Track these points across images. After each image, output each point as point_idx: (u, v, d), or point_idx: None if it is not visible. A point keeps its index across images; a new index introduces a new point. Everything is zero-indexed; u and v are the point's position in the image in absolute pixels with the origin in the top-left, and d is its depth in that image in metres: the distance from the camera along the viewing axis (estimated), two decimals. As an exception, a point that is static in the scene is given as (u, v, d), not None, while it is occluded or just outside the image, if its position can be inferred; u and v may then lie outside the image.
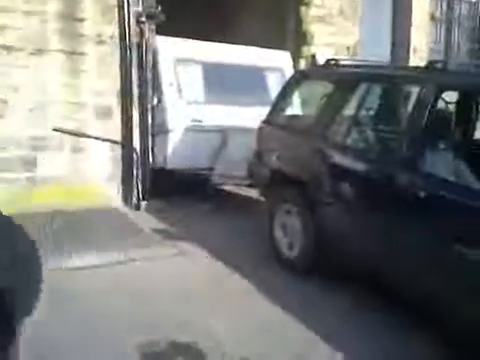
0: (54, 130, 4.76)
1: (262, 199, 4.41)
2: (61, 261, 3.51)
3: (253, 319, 2.92)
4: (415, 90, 3.57)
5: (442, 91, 3.20)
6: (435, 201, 2.76)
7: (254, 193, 4.77)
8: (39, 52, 4.66)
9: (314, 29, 6.53)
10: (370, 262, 3.13)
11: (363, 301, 3.11)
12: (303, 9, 6.59)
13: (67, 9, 4.74)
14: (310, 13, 6.55)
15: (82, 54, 4.85)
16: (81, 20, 4.82)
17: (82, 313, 2.85)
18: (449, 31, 8.17)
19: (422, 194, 2.77)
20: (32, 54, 4.62)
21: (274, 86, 5.35)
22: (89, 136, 4.93)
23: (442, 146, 3.34)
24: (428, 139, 3.38)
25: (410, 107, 3.85)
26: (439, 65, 3.31)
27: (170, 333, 2.71)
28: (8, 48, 4.50)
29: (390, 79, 3.74)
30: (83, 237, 3.96)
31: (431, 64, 3.49)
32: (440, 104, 3.63)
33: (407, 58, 7.36)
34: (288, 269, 3.58)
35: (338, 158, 3.42)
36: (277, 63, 5.82)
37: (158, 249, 3.92)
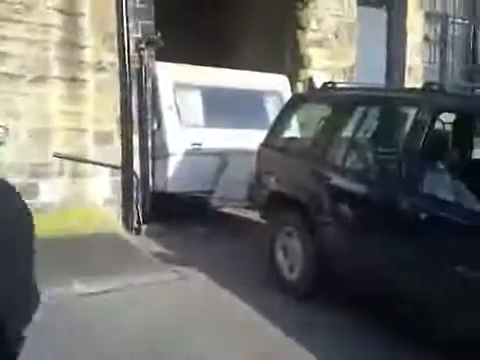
0: (54, 156, 4.79)
1: (262, 221, 4.41)
2: (61, 288, 3.48)
3: (252, 344, 2.88)
4: (412, 112, 3.62)
5: (439, 113, 3.23)
6: (435, 222, 2.76)
7: (254, 215, 4.77)
8: (40, 79, 4.72)
9: (311, 53, 6.64)
10: (370, 283, 3.11)
11: (362, 322, 3.07)
12: (300, 33, 6.71)
13: (68, 37, 4.83)
14: (307, 37, 6.67)
15: (83, 81, 4.92)
16: (82, 47, 4.91)
17: (79, 342, 2.82)
18: (443, 52, 8.31)
19: (422, 215, 2.78)
20: (33, 81, 4.69)
21: (272, 109, 5.41)
22: (89, 161, 4.96)
23: (440, 167, 3.36)
24: (426, 160, 3.41)
25: (407, 129, 3.90)
26: (435, 87, 3.37)
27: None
28: (10, 75, 4.57)
29: (387, 101, 3.79)
30: (83, 263, 3.93)
31: (427, 86, 3.55)
32: (437, 125, 3.67)
33: (402, 79, 7.46)
34: (288, 292, 3.56)
35: (337, 180, 3.43)
36: (275, 87, 5.89)
37: (158, 274, 3.89)
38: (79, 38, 4.88)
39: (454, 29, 8.37)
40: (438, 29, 8.25)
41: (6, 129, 4.50)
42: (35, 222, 4.57)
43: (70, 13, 4.82)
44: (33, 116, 4.69)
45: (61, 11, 4.78)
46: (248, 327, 3.10)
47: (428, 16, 7.99)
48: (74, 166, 4.90)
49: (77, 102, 4.91)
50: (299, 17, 6.68)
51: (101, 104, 4.99)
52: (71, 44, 4.85)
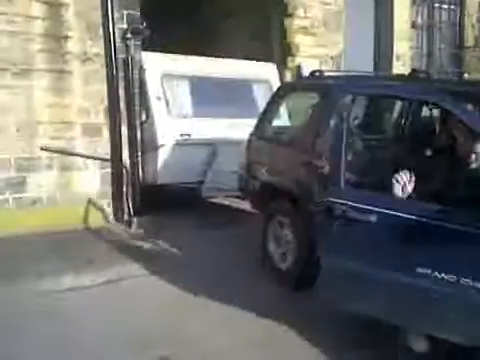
0: (42, 149, 4.74)
1: (253, 211, 4.42)
2: (50, 282, 3.49)
3: (241, 333, 2.91)
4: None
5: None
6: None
7: (245, 205, 4.78)
8: (25, 72, 4.65)
9: (298, 40, 6.61)
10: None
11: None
12: (287, 21, 6.67)
13: (52, 28, 4.75)
14: (294, 24, 6.63)
15: (68, 72, 4.85)
16: (66, 38, 4.84)
17: (68, 334, 2.83)
18: (430, 38, 8.32)
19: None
20: (17, 74, 4.61)
21: (261, 98, 5.39)
22: (78, 154, 4.92)
23: (428, 153, 3.39)
24: (415, 146, 3.44)
25: (396, 116, 3.93)
26: (422, 74, 3.38)
27: (158, 348, 2.71)
28: (-6, 68, 4.49)
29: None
30: (72, 258, 3.95)
31: (414, 73, 3.56)
32: (425, 112, 3.70)
33: (390, 66, 7.46)
34: (281, 280, 3.59)
35: (326, 169, 3.43)
36: (263, 75, 5.87)
37: (149, 266, 3.89)
38: (63, 29, 4.81)
39: (441, 14, 8.38)
40: (425, 15, 8.25)
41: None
42: (23, 217, 4.54)
43: (53, 3, 4.74)
44: (19, 109, 4.63)
45: (44, 2, 4.69)
46: (243, 316, 3.12)
47: (415, 1, 7.98)
48: (62, 159, 4.86)
49: (63, 94, 4.85)
50: (286, 4, 6.64)
51: (88, 96, 4.94)
52: (55, 35, 4.77)
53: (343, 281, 2.49)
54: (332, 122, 3.35)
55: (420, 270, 2.23)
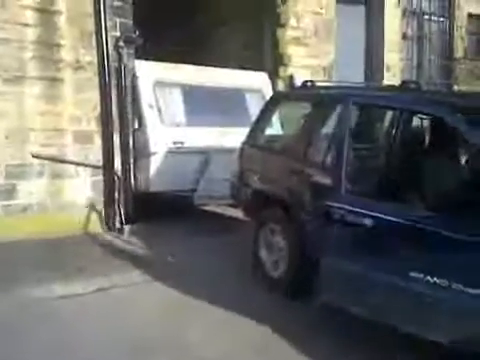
0: (33, 156, 4.72)
1: (245, 219, 4.43)
2: (41, 290, 3.45)
3: (237, 339, 2.91)
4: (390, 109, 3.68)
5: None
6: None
7: (237, 213, 4.78)
8: (17, 79, 4.64)
9: (291, 50, 6.68)
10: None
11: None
12: (279, 31, 6.74)
13: (45, 36, 4.76)
14: (286, 35, 6.70)
15: (60, 80, 4.85)
16: (59, 46, 4.84)
17: (65, 341, 2.80)
18: (420, 49, 8.46)
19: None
20: (9, 81, 4.60)
21: (254, 107, 5.42)
22: (70, 162, 4.90)
23: (419, 161, 3.43)
24: (407, 155, 3.47)
25: (387, 126, 3.97)
26: (412, 85, 3.43)
27: (156, 354, 2.69)
28: (-16, 75, 4.47)
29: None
30: (63, 265, 3.91)
31: (405, 84, 3.61)
32: (415, 122, 3.75)
33: (381, 77, 7.56)
34: (272, 288, 3.59)
35: (318, 177, 3.46)
36: (256, 84, 5.91)
37: (140, 274, 3.88)
38: (56, 37, 4.81)
39: (431, 26, 8.52)
40: (415, 26, 8.38)
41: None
42: (13, 224, 4.50)
43: (46, 11, 4.74)
44: (10, 116, 4.61)
45: (37, 9, 4.70)
46: (239, 322, 3.11)
47: (405, 13, 8.11)
48: (54, 167, 4.83)
49: (55, 102, 4.84)
50: (279, 14, 6.71)
51: (80, 103, 4.94)
52: (48, 43, 4.77)
53: (342, 283, 2.51)
54: (326, 131, 3.39)
55: (413, 274, 2.26)
